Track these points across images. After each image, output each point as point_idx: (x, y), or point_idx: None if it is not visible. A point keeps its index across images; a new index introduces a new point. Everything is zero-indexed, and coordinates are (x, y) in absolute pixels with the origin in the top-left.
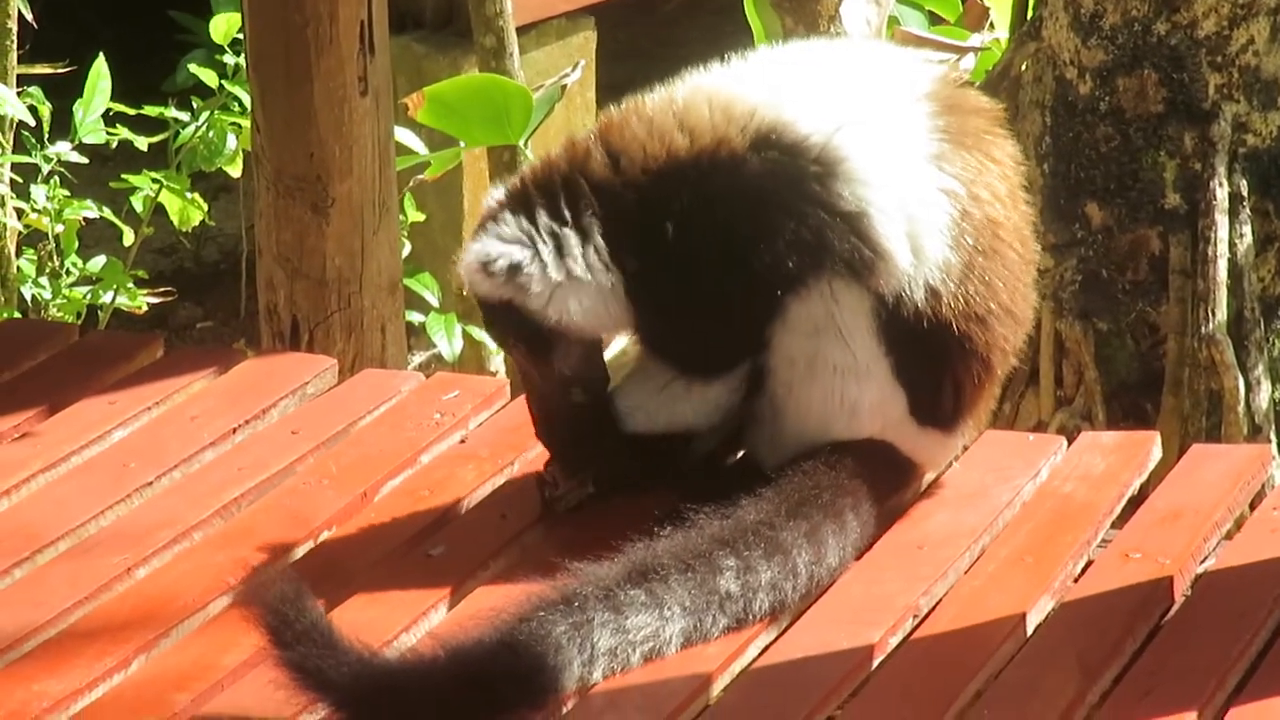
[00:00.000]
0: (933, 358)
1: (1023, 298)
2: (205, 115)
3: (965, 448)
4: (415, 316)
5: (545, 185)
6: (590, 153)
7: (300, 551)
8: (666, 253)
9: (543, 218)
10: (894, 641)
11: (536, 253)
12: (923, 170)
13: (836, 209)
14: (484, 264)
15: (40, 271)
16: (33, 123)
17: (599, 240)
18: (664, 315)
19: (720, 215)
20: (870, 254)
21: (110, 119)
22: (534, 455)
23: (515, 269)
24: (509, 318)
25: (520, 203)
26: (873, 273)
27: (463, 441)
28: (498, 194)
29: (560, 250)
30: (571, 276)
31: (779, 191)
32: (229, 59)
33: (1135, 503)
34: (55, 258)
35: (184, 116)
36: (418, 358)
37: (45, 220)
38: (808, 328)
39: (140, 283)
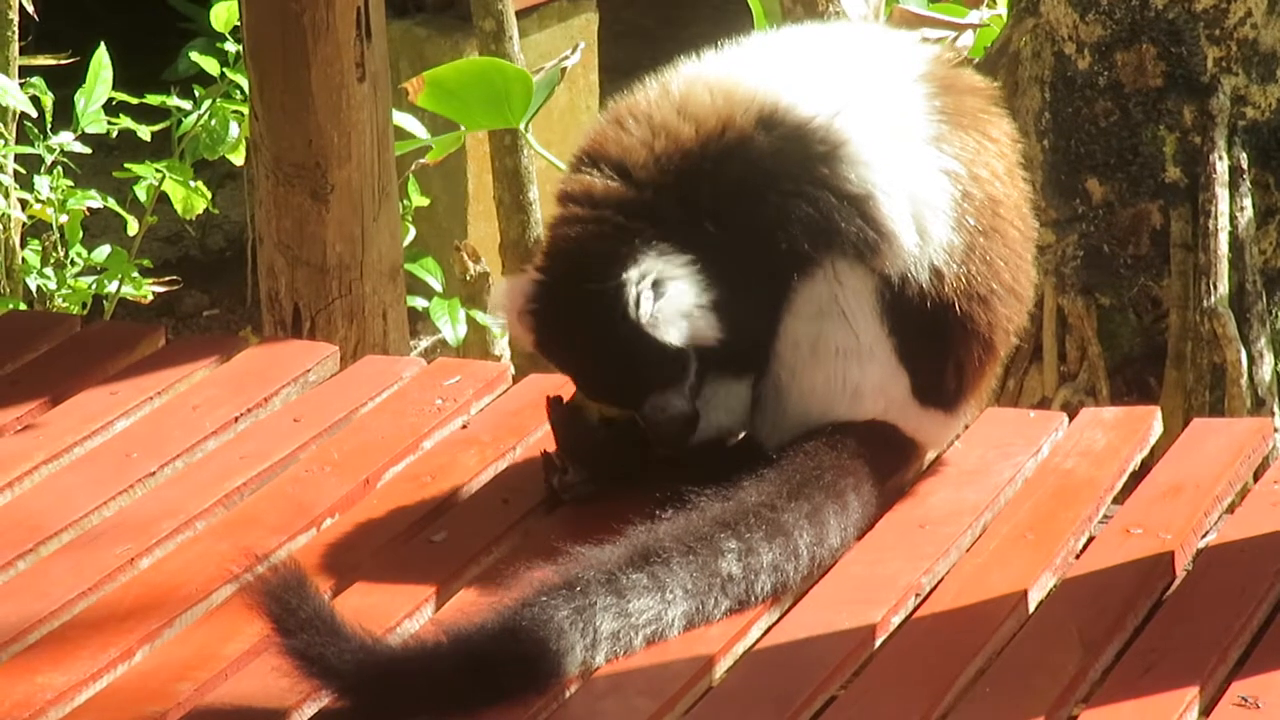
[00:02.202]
0: (935, 338)
1: (1025, 276)
2: (207, 103)
3: (966, 425)
4: (419, 302)
5: (599, 236)
6: (605, 185)
7: (303, 539)
8: (708, 248)
9: (647, 258)
10: (896, 620)
11: (680, 284)
12: (923, 151)
13: (843, 191)
14: (654, 285)
15: (45, 262)
16: (35, 113)
17: (684, 258)
18: (718, 305)
19: (741, 200)
20: (875, 236)
21: (113, 108)
22: (535, 440)
23: (663, 287)
24: (659, 351)
25: (602, 259)
26: (877, 254)
27: (464, 427)
28: (550, 262)
29: (684, 276)
30: (701, 295)
31: (790, 174)
32: (231, 46)
33: (1137, 478)
34: (60, 248)
35: (187, 105)
36: (423, 343)
37: (49, 211)
38: (812, 310)
39: (145, 272)
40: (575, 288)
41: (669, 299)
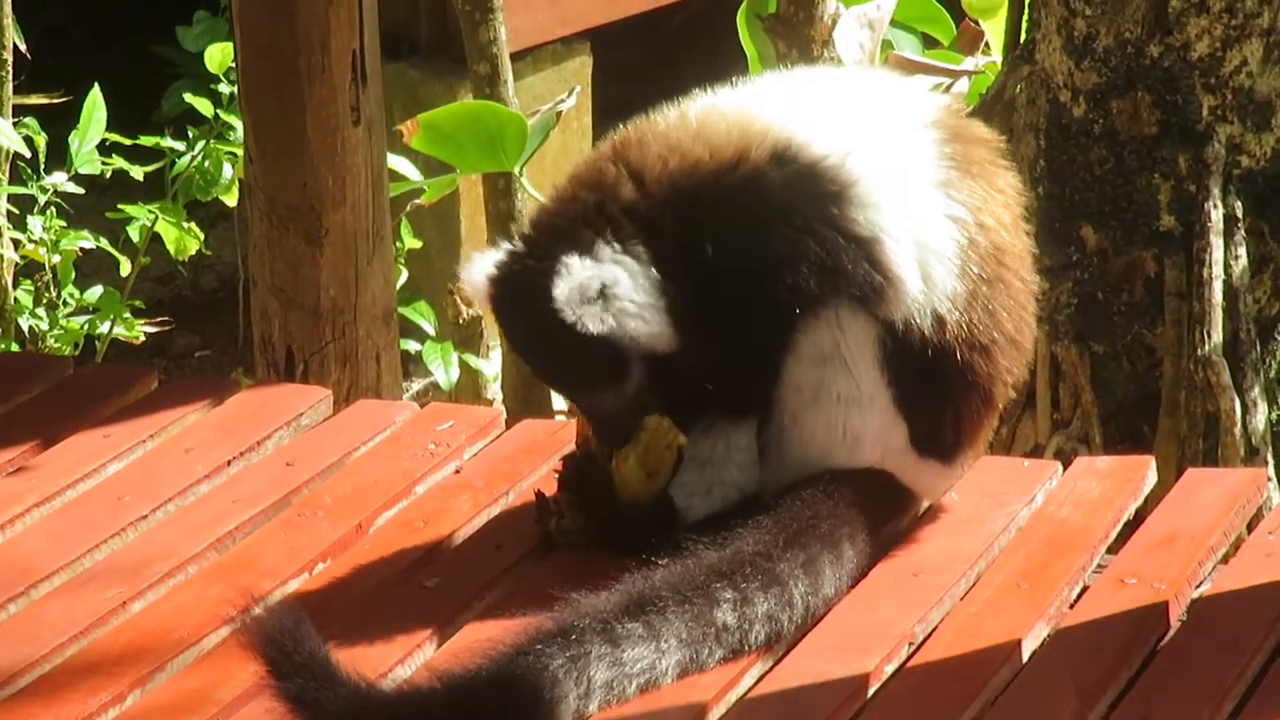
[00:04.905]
0: (936, 388)
1: (1026, 327)
2: (201, 145)
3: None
4: (412, 345)
5: (583, 218)
6: (616, 178)
7: (295, 584)
8: (701, 275)
9: (600, 248)
10: (890, 669)
11: (616, 275)
12: (932, 197)
13: (851, 233)
14: (581, 289)
15: (37, 302)
16: (29, 154)
17: (649, 264)
18: (701, 343)
19: (748, 235)
20: (881, 280)
21: (106, 148)
22: (528, 484)
23: (607, 289)
24: (594, 346)
25: (568, 238)
26: (883, 300)
27: (457, 472)
28: (529, 233)
29: (629, 272)
30: (645, 296)
31: (800, 211)
32: (225, 88)
33: (1131, 527)
34: (52, 288)
35: (180, 146)
36: (415, 385)
37: (42, 251)
38: (815, 356)
39: (138, 312)
40: (536, 260)
41: (601, 293)
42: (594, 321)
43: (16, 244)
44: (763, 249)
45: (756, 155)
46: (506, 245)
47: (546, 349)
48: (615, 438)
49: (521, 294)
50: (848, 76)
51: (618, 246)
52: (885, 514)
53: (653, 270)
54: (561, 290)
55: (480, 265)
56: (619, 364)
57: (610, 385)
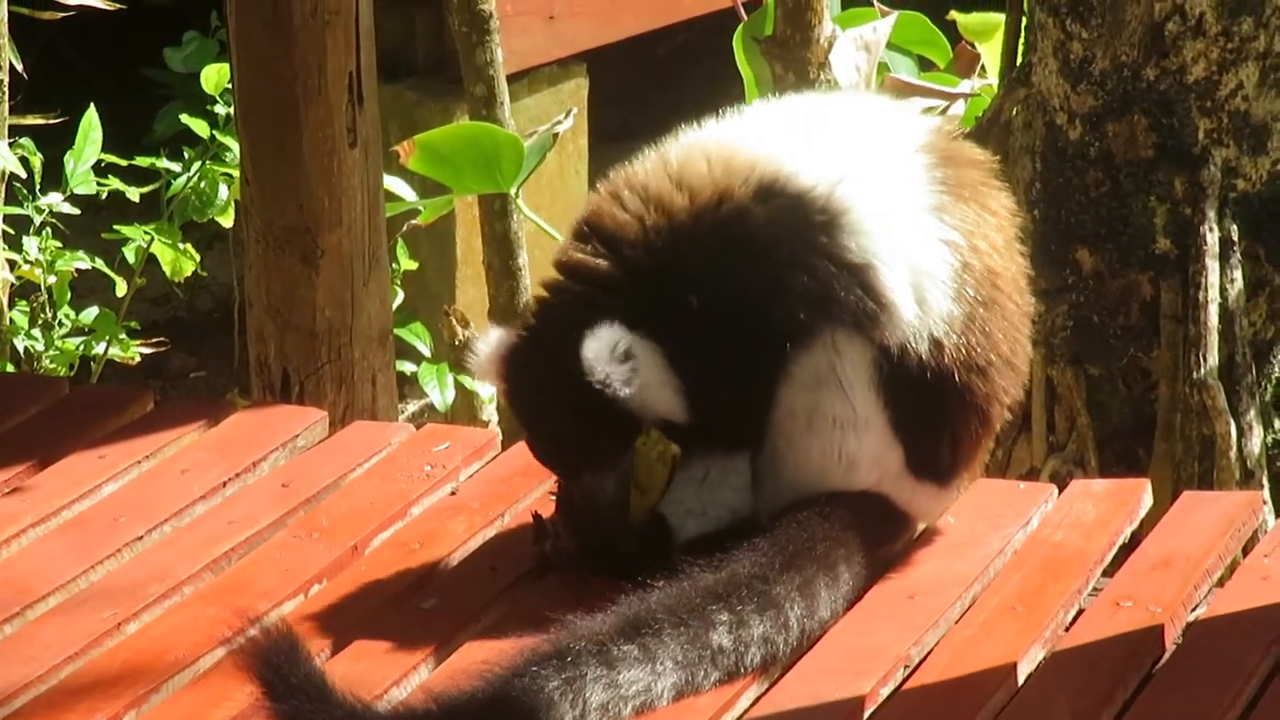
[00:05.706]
0: (932, 411)
1: (1022, 349)
2: (196, 166)
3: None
4: (408, 366)
5: (579, 312)
6: (595, 262)
7: (290, 605)
8: (693, 323)
9: (616, 327)
10: (885, 692)
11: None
12: (924, 221)
13: (843, 261)
14: (612, 349)
15: (33, 323)
16: (24, 174)
17: (649, 339)
18: (700, 383)
19: (734, 270)
20: (875, 306)
21: (102, 169)
22: (523, 506)
23: (630, 355)
24: (608, 405)
25: (575, 322)
26: (877, 325)
27: (453, 493)
28: (535, 319)
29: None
30: (657, 372)
31: (787, 242)
32: (221, 109)
33: (1126, 550)
34: (48, 309)
35: (176, 167)
36: (411, 406)
37: (38, 272)
38: (809, 380)
39: (133, 333)
40: (544, 342)
41: (626, 356)
42: (628, 390)
43: (12, 265)
44: (750, 282)
45: (740, 192)
46: (512, 328)
47: (562, 424)
48: (611, 523)
49: (548, 371)
50: (836, 102)
51: (632, 328)
52: (881, 537)
53: (654, 344)
54: (591, 349)
55: (489, 345)
56: (628, 436)
57: (614, 465)
